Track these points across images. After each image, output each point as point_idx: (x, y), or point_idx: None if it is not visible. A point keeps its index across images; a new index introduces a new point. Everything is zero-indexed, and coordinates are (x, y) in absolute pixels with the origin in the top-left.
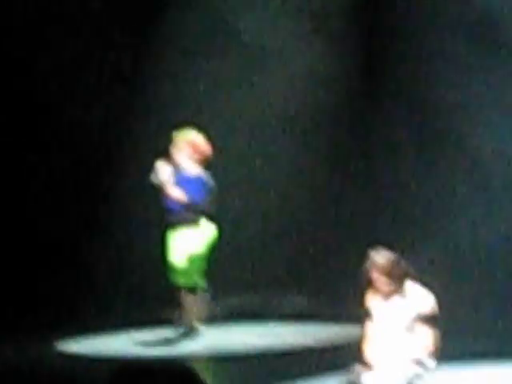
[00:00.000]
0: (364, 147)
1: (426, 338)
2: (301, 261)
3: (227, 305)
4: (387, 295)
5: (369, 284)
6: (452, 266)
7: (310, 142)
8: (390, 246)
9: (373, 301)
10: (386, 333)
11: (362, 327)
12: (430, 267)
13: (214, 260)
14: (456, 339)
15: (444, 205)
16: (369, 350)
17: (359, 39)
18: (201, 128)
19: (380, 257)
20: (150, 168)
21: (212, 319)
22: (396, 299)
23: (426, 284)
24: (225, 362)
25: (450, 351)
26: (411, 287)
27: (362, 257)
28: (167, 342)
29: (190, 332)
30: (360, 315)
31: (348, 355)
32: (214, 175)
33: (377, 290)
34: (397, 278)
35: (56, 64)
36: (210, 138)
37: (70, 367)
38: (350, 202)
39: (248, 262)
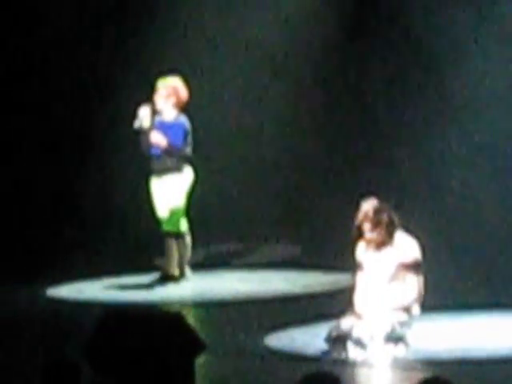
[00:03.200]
0: (357, 89)
1: (412, 286)
2: (288, 208)
3: (211, 252)
4: (376, 245)
5: (359, 234)
6: (441, 214)
7: (300, 86)
8: (378, 195)
9: (362, 251)
10: (374, 282)
11: (351, 276)
12: (419, 217)
13: (197, 207)
14: (442, 289)
15: (435, 159)
16: (357, 300)
17: None
18: (180, 73)
19: (367, 204)
20: (133, 115)
21: (196, 266)
22: (384, 249)
23: (413, 233)
24: (212, 307)
25: (435, 301)
26: (398, 237)
27: (351, 205)
28: (154, 287)
29: (176, 278)
30: (348, 264)
31: (336, 304)
32: (196, 120)
33: (366, 241)
34: (383, 226)
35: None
36: (188, 82)
37: (58, 312)
38: (340, 149)
39: (233, 210)
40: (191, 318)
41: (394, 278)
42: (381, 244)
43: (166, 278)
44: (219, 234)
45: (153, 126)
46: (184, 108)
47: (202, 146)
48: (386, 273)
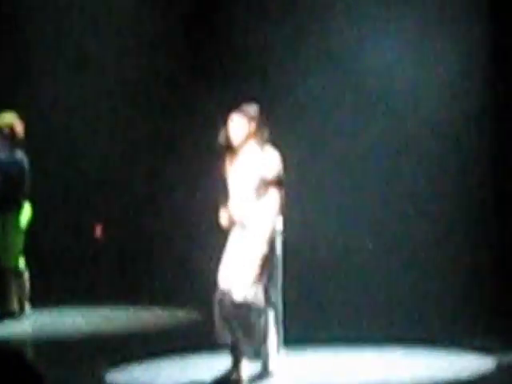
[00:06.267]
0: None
1: (273, 201)
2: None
3: (51, 288)
4: (242, 150)
5: (226, 148)
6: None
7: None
8: None
9: (229, 167)
10: (239, 195)
11: (189, 309)
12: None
13: (36, 242)
14: (309, 322)
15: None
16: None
17: None
18: (14, 109)
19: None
20: None
21: (36, 302)
22: (249, 158)
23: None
24: (52, 344)
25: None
26: (266, 150)
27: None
28: None
29: (15, 314)
30: (185, 300)
31: (177, 339)
32: (28, 156)
33: (233, 151)
34: (255, 122)
35: None
36: (23, 118)
37: None
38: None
39: (72, 244)
40: (30, 355)
41: (256, 191)
42: (246, 148)
43: (5, 315)
44: (59, 270)
45: None
46: (21, 143)
47: (40, 175)
48: (249, 184)
